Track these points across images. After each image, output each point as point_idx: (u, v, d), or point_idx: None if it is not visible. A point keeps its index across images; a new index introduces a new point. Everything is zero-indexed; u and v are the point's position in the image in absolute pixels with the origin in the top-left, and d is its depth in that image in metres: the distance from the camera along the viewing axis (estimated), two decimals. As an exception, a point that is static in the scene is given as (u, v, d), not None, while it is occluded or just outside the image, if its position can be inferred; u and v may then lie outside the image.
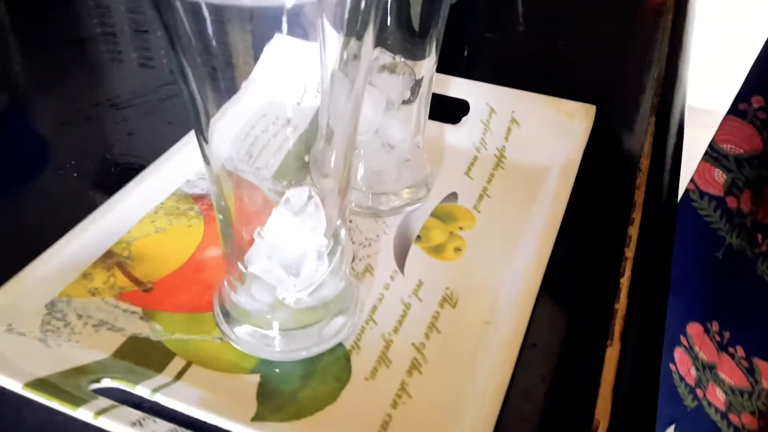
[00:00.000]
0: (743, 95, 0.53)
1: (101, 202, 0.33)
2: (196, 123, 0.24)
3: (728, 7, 1.81)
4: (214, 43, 0.21)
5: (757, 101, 0.52)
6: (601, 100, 0.40)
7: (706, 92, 1.90)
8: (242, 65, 0.22)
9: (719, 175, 0.55)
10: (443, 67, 0.41)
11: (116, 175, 0.38)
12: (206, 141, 0.24)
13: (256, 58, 0.22)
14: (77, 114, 0.44)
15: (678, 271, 0.43)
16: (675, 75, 0.48)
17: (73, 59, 0.50)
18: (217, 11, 0.20)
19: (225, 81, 0.22)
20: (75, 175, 0.38)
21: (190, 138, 0.38)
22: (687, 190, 0.57)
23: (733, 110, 0.54)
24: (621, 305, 0.30)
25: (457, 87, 0.41)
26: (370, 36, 0.23)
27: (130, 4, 0.59)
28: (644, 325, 0.29)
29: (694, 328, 0.58)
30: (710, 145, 0.56)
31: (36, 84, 0.48)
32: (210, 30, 0.20)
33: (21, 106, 0.46)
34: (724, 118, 0.54)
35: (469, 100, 0.40)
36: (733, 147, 0.53)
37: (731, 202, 0.54)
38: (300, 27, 0.21)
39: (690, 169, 0.55)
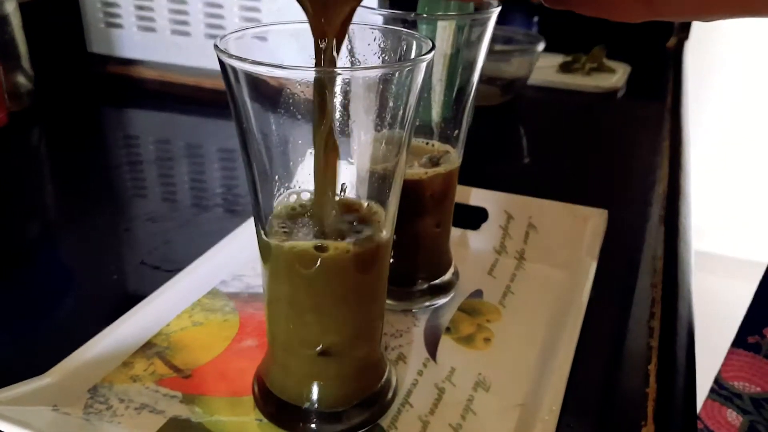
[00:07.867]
0: (751, 326, 0.47)
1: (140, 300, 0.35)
2: None
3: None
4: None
5: None
6: (611, 208, 0.43)
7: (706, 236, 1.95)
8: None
9: (733, 417, 0.47)
10: (462, 180, 0.44)
11: (155, 277, 0.39)
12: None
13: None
14: (116, 226, 0.46)
15: None
16: (678, 190, 0.51)
17: (108, 185, 0.54)
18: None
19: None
20: (115, 277, 0.40)
21: (225, 244, 0.40)
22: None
23: (741, 343, 0.47)
24: (651, 389, 0.30)
25: (475, 196, 0.44)
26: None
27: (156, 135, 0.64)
28: (676, 406, 0.30)
29: None
30: (716, 381, 0.48)
31: (75, 204, 0.51)
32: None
33: (64, 223, 0.48)
34: (730, 352, 0.48)
35: (487, 208, 0.43)
36: (746, 385, 0.47)
37: None
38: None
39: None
